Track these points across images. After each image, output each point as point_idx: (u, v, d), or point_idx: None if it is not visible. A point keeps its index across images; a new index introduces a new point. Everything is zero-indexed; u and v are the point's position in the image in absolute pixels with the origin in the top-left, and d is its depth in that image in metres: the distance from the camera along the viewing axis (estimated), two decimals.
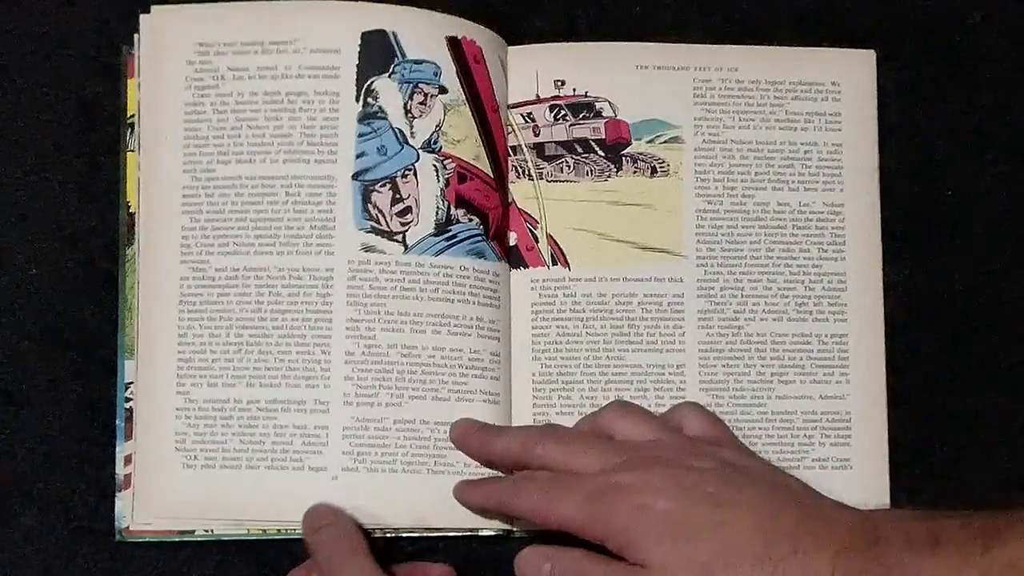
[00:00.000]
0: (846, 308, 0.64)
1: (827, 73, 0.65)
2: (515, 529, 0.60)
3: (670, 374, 0.63)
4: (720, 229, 0.64)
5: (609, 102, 0.65)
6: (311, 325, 0.61)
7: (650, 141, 0.65)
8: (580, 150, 0.64)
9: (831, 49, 0.66)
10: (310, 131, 0.62)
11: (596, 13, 0.66)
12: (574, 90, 0.65)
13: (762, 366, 0.63)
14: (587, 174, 0.64)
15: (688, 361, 0.63)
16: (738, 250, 0.64)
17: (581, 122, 0.65)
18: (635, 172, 0.64)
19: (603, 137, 0.65)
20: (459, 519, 0.60)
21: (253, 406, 0.60)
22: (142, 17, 0.62)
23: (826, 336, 0.64)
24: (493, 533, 0.60)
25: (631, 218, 0.64)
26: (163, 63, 0.62)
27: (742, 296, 0.64)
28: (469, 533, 0.60)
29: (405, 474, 0.60)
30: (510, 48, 0.64)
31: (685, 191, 0.64)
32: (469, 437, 0.59)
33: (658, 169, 0.64)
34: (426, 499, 0.60)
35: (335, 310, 0.61)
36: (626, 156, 0.64)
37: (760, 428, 0.63)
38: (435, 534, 0.60)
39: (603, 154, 0.64)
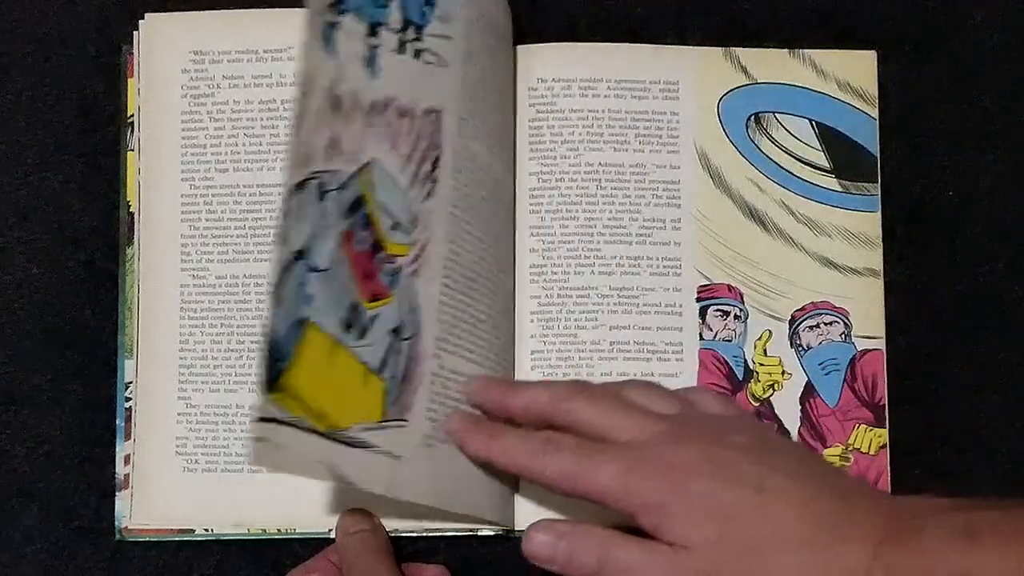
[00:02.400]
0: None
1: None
2: (515, 529, 0.61)
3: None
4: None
5: None
6: None
7: None
8: None
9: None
10: None
11: (597, 13, 0.66)
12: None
13: None
14: None
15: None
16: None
17: None
18: None
19: None
20: (459, 519, 0.60)
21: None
22: (141, 24, 0.62)
23: None
24: (493, 533, 0.60)
25: None
26: (159, 71, 0.63)
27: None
28: (469, 533, 0.60)
29: None
30: None
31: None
32: (490, 390, 0.55)
33: None
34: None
35: None
36: None
37: None
38: (435, 534, 0.60)
39: None
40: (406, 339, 0.55)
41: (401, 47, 0.56)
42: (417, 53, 0.57)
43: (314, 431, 0.51)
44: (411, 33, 0.57)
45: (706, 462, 0.49)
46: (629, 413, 0.52)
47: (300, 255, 0.51)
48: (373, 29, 0.56)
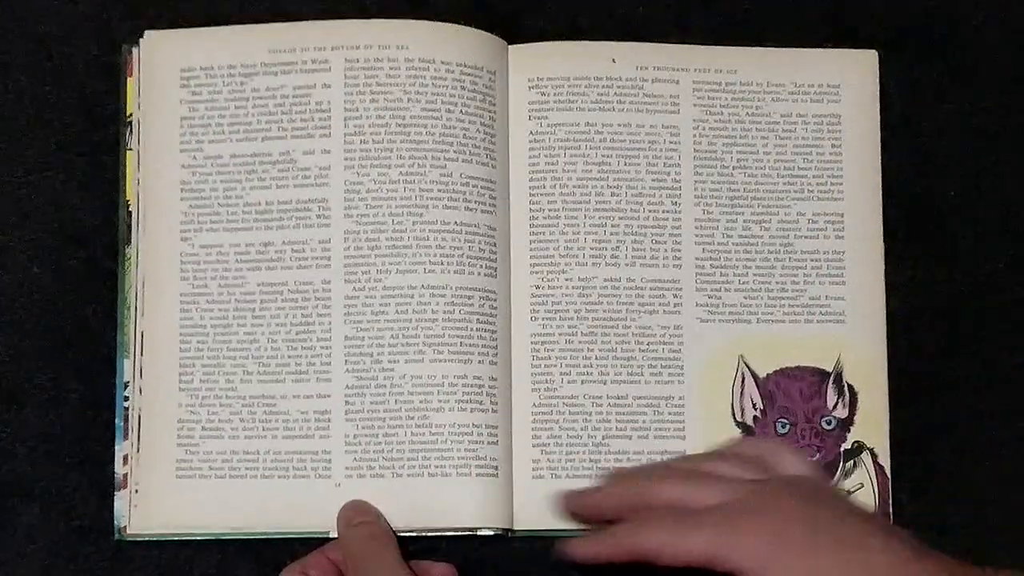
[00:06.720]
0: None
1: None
2: (515, 529, 0.61)
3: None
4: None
5: None
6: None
7: None
8: None
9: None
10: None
11: (597, 13, 0.66)
12: None
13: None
14: None
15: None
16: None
17: None
18: None
19: None
20: (459, 519, 0.60)
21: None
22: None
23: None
24: (493, 533, 0.60)
25: None
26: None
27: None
28: (469, 533, 0.60)
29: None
30: (510, 48, 0.64)
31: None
32: (584, 499, 0.57)
33: None
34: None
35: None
36: None
37: None
38: (435, 534, 0.60)
39: None
40: None
41: None
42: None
43: None
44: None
45: (798, 511, 0.50)
46: (717, 482, 0.53)
47: None
48: None
